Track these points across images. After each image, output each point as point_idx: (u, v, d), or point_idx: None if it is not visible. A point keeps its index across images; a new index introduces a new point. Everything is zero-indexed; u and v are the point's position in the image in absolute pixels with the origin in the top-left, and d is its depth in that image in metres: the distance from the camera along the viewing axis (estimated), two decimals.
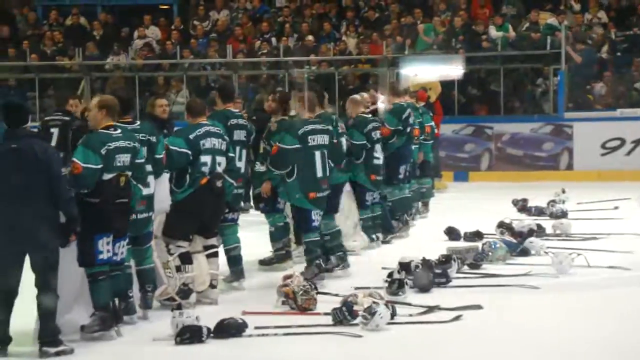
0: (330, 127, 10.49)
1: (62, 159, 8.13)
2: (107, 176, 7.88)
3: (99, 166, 7.81)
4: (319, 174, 10.04)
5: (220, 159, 9.23)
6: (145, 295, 8.68)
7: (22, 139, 7.44)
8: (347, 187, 11.63)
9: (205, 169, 9.08)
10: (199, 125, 9.20)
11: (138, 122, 8.74)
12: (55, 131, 11.00)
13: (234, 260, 9.92)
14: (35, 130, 7.84)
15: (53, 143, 10.77)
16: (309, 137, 10.03)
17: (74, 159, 7.83)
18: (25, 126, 7.56)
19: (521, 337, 8.07)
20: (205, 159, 9.09)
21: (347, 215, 11.67)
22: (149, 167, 8.55)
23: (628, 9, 21.46)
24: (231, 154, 9.46)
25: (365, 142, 11.85)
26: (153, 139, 8.69)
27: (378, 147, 12.03)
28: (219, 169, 9.23)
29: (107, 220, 7.91)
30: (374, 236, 12.08)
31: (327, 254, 10.40)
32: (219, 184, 9.21)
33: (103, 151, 7.85)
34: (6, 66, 22.75)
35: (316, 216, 10.07)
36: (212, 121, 9.52)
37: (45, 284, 7.47)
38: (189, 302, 8.90)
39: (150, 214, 8.63)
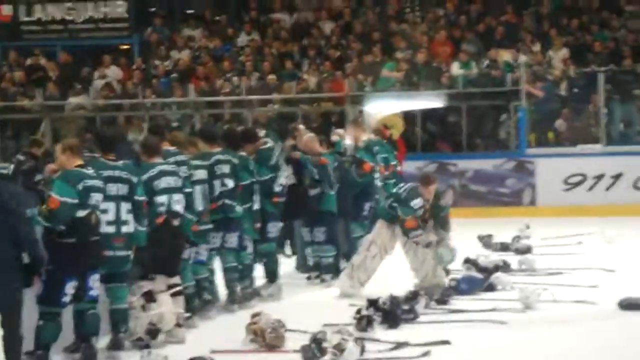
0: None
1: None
2: (81, 213, 7.87)
3: (75, 201, 7.82)
4: (200, 207, 10.03)
5: (178, 197, 9.25)
6: (117, 335, 8.61)
7: None
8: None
9: (162, 209, 9.10)
10: (152, 166, 9.18)
11: (121, 162, 8.72)
12: None
13: (189, 299, 9.77)
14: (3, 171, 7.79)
15: None
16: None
17: (51, 194, 7.82)
18: None
19: None
20: (161, 199, 9.10)
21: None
22: (127, 206, 8.52)
23: (585, 46, 21.71)
24: (189, 189, 9.44)
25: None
26: (134, 179, 8.67)
27: None
28: (178, 207, 9.20)
29: (80, 262, 7.93)
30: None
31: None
32: (175, 222, 9.20)
33: (80, 186, 7.88)
34: None
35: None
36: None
37: (10, 324, 7.40)
38: (158, 341, 8.83)
39: (129, 252, 8.60)
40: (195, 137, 10.92)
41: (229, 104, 21.93)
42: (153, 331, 8.85)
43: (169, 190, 9.16)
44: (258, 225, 11.11)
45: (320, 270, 12.24)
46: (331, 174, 12.27)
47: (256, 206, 11.04)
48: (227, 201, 10.51)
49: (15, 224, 7.34)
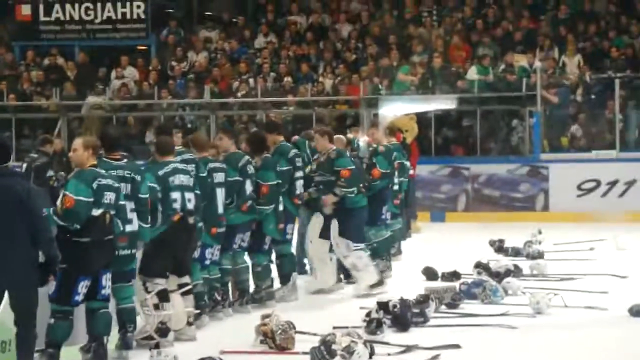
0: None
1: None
2: (95, 212, 7.93)
3: (90, 199, 7.88)
4: (220, 210, 10.19)
5: (189, 195, 9.33)
6: (125, 335, 8.65)
7: (3, 177, 7.44)
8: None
9: (177, 206, 9.17)
10: (167, 163, 9.30)
11: (125, 160, 8.80)
12: None
13: (198, 297, 9.83)
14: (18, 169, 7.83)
15: None
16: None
17: (66, 192, 7.88)
18: (7, 164, 7.57)
19: None
20: (175, 195, 9.18)
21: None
22: (131, 205, 8.60)
23: (602, 52, 21.70)
24: (197, 191, 9.53)
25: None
26: (138, 177, 8.74)
27: None
28: (190, 206, 9.30)
29: (93, 262, 7.98)
30: (341, 276, 12.16)
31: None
32: (191, 220, 9.30)
33: (94, 185, 7.94)
34: None
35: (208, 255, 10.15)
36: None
37: (25, 323, 7.44)
38: (168, 340, 8.89)
39: (133, 251, 8.66)
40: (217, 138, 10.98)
41: (244, 106, 22.01)
42: (163, 330, 8.90)
43: (182, 188, 9.26)
44: (281, 226, 11.21)
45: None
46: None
47: (280, 207, 11.17)
48: (254, 203, 10.73)
49: (33, 223, 7.38)
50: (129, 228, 8.57)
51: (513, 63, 21.04)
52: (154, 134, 11.04)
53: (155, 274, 9.04)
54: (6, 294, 7.44)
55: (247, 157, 10.81)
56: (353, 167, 11.68)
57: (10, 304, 7.42)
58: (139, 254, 8.95)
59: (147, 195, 8.79)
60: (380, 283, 11.62)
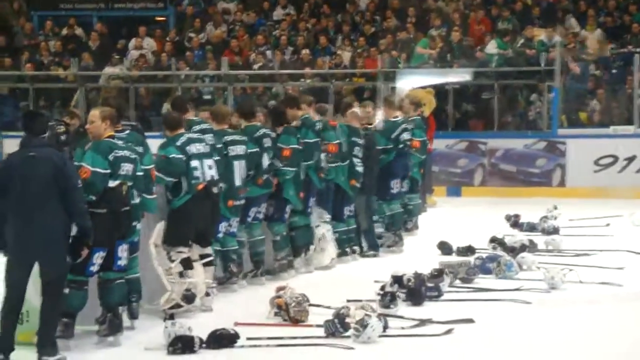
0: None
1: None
2: (112, 183, 7.94)
3: (107, 171, 7.90)
4: (237, 182, 10.21)
5: (209, 162, 9.38)
6: (130, 304, 8.69)
7: (40, 147, 7.45)
8: None
9: (198, 174, 9.21)
10: (180, 135, 9.34)
11: (127, 132, 8.80)
12: None
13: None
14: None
15: None
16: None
17: (82, 164, 7.90)
18: (44, 136, 7.59)
19: (512, 351, 8.13)
20: (195, 163, 9.24)
21: None
22: None
23: (622, 27, 21.57)
24: (216, 157, 9.57)
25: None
26: (140, 149, 8.73)
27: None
28: (210, 172, 9.34)
29: (109, 233, 7.96)
30: (348, 249, 12.16)
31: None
32: (215, 190, 9.35)
33: (111, 157, 7.97)
34: (1, 75, 22.72)
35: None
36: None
37: (52, 294, 7.46)
38: (195, 305, 9.03)
39: (134, 223, 8.62)
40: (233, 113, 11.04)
41: (260, 79, 21.98)
42: (189, 296, 9.00)
43: (199, 156, 9.31)
44: (302, 194, 11.22)
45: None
46: (341, 143, 12.08)
47: (302, 176, 11.19)
48: (270, 177, 10.80)
49: (68, 194, 7.37)
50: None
51: (532, 37, 20.92)
52: (170, 106, 11.06)
53: (178, 243, 9.11)
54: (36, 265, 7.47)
55: (264, 129, 10.82)
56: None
57: (40, 275, 7.43)
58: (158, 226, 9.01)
59: (150, 167, 8.81)
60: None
